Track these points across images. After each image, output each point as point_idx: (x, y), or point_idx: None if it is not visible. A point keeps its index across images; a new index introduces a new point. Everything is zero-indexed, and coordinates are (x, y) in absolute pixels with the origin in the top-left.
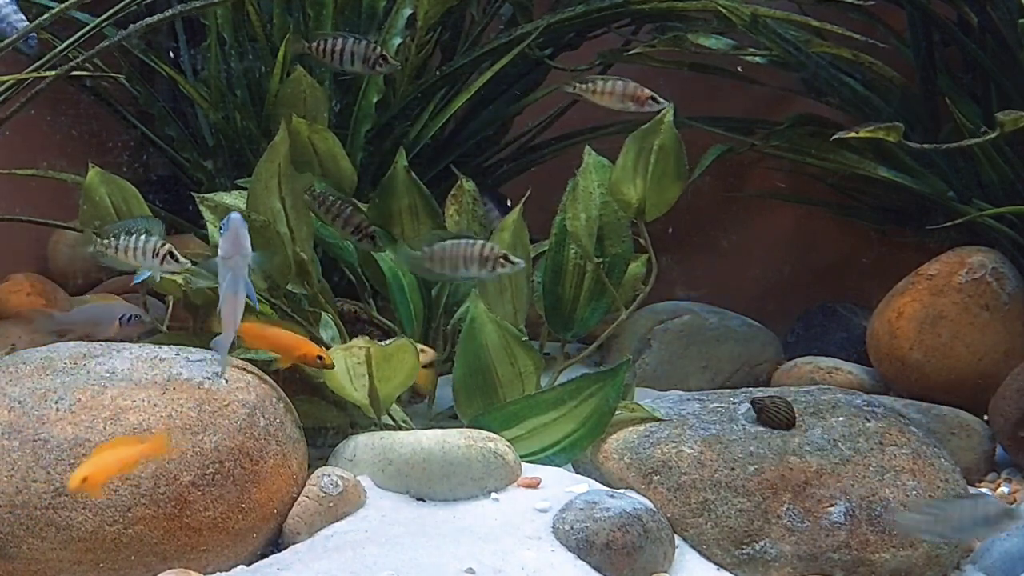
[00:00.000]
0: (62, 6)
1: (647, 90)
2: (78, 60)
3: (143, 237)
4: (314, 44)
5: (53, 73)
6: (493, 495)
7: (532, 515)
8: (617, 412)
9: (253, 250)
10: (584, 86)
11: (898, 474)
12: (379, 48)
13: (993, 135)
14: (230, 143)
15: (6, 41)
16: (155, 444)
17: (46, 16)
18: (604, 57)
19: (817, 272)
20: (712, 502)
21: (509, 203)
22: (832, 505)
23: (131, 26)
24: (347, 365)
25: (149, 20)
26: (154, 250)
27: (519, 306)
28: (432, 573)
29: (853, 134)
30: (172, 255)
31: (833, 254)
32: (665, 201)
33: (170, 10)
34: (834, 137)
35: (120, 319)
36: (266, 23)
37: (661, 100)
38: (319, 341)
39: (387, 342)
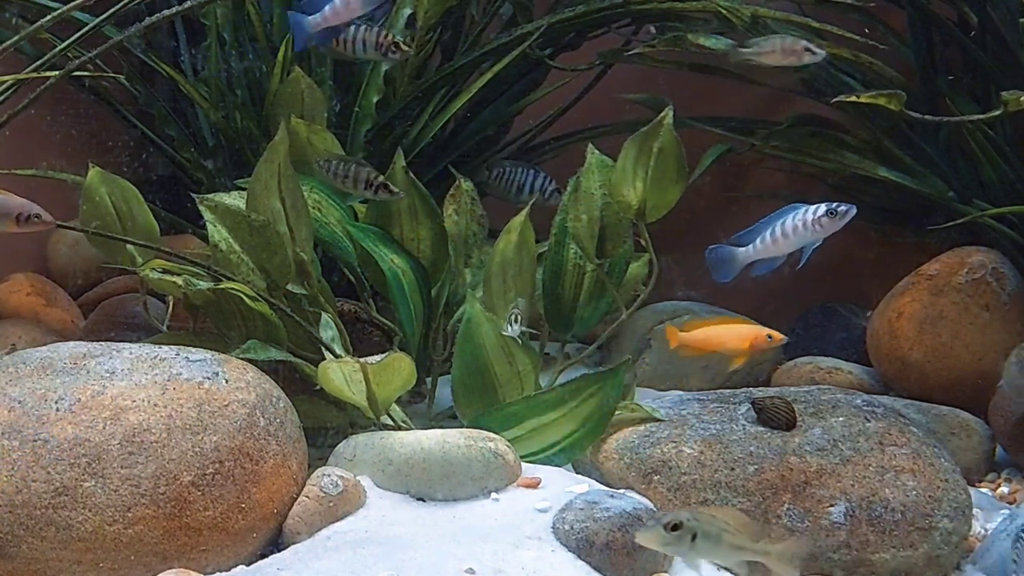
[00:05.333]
0: (65, 8)
1: (802, 42)
2: (81, 60)
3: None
4: None
5: (55, 74)
6: (493, 495)
7: (532, 515)
8: (617, 412)
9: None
10: (748, 50)
11: (898, 474)
12: (390, 35)
13: (997, 113)
14: (230, 143)
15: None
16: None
17: (48, 18)
18: (604, 57)
19: (817, 272)
20: (712, 502)
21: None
22: (832, 505)
23: (132, 27)
24: (344, 373)
25: (149, 20)
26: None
27: (524, 306)
28: (432, 573)
29: (854, 98)
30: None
31: (833, 254)
32: (665, 203)
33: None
34: (834, 100)
35: (18, 216)
36: (266, 23)
37: (816, 50)
38: (319, 341)
39: (379, 357)
